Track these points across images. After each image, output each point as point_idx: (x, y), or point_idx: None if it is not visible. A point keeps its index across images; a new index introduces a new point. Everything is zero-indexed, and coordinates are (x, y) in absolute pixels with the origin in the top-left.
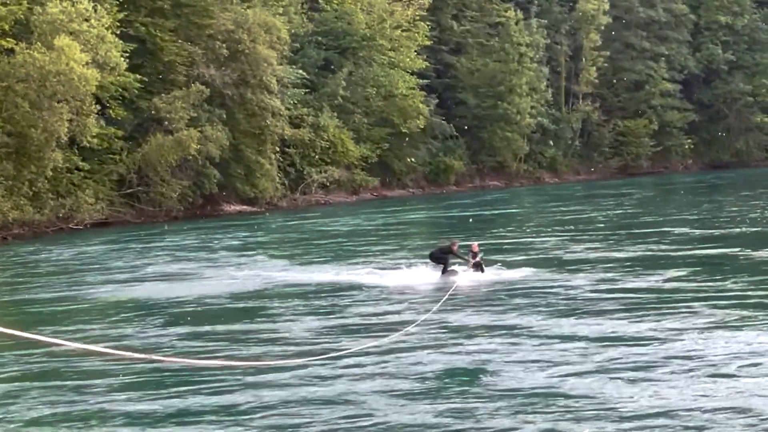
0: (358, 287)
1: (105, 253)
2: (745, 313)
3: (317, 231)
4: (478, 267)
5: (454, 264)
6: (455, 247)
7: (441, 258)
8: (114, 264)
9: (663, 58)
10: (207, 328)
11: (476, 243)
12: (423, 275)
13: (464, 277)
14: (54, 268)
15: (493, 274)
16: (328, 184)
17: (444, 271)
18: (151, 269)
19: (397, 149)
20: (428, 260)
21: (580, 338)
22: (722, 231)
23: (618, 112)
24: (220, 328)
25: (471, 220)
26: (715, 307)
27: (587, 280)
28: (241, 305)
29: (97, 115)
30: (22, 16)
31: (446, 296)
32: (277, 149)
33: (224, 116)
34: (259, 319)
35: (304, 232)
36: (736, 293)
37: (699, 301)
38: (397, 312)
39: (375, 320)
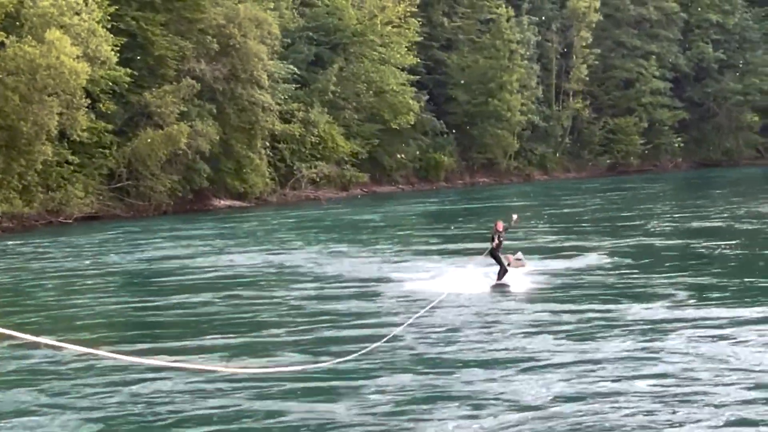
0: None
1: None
2: None
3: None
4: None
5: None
6: (499, 226)
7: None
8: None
9: (653, 56)
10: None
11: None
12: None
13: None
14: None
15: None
16: (317, 179)
17: (497, 261)
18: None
19: (387, 145)
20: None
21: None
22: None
23: (608, 109)
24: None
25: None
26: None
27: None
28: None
29: (87, 109)
30: (12, 9)
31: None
32: (267, 144)
33: (214, 111)
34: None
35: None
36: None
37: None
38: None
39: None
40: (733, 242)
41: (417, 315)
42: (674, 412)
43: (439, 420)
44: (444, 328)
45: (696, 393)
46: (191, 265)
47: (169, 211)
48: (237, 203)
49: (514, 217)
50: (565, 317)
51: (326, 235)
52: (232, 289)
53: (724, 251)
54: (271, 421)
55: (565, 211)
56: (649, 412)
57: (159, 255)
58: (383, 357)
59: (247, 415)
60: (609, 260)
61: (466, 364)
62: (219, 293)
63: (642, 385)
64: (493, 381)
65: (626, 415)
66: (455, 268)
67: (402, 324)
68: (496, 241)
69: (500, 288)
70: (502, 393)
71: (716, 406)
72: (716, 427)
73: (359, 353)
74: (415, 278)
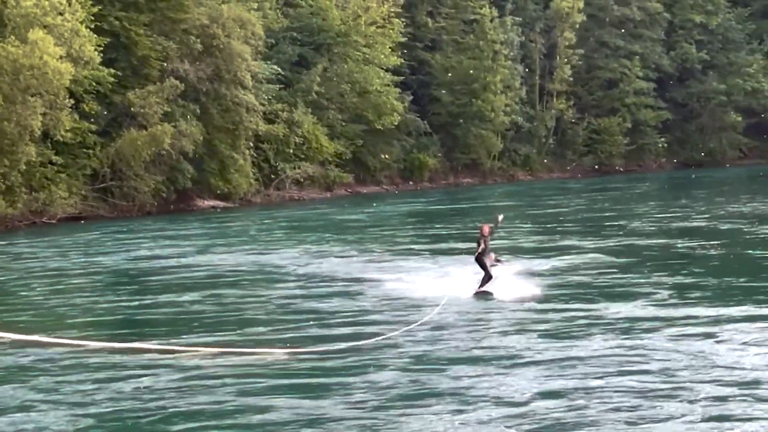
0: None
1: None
2: None
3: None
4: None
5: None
6: (485, 230)
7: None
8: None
9: (637, 57)
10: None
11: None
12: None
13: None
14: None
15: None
16: (302, 180)
17: (482, 267)
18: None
19: (371, 146)
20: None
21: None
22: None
23: (592, 110)
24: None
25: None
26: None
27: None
28: None
29: (70, 109)
30: None
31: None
32: (251, 145)
33: (198, 111)
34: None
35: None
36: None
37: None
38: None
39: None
40: (715, 242)
41: (428, 316)
42: (656, 407)
43: (426, 415)
44: (430, 327)
45: (677, 389)
46: (177, 265)
47: (153, 211)
48: (221, 203)
49: (500, 217)
50: (549, 316)
51: (311, 235)
52: (218, 288)
53: (706, 251)
54: (260, 416)
55: (550, 211)
56: (632, 408)
57: (144, 255)
58: (371, 354)
59: (236, 410)
60: (593, 260)
61: (452, 361)
62: (205, 292)
63: (624, 381)
64: (479, 377)
65: (609, 410)
66: (440, 268)
67: (413, 323)
68: (482, 245)
69: (483, 295)
70: (487, 389)
71: (697, 402)
72: (697, 421)
73: (362, 342)
74: (403, 278)
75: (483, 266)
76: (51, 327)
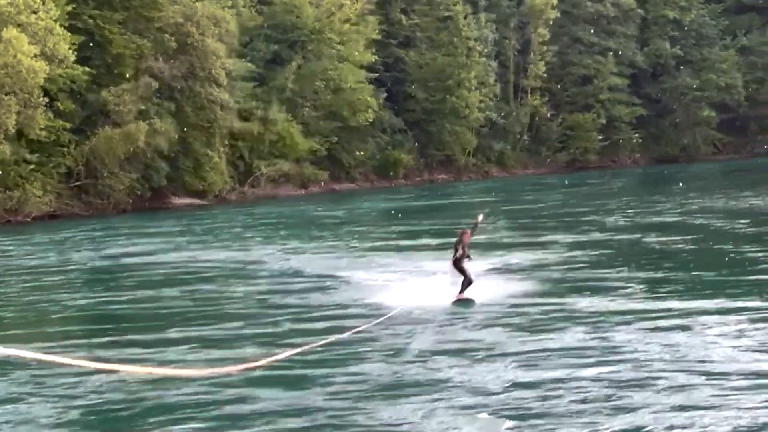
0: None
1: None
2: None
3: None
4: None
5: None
6: (465, 237)
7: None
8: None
9: (611, 53)
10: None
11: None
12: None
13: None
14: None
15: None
16: (276, 177)
17: (461, 272)
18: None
19: (346, 143)
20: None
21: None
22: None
23: (566, 106)
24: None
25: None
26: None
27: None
28: None
29: (45, 108)
30: None
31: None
32: (226, 142)
33: (173, 109)
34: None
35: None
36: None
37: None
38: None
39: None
40: (687, 237)
41: (390, 313)
42: (628, 397)
43: (404, 404)
44: (406, 321)
45: (649, 380)
46: (154, 262)
47: (128, 209)
48: (196, 201)
49: (480, 216)
50: (525, 309)
51: (287, 232)
52: (195, 285)
53: (678, 246)
54: (241, 406)
55: (524, 207)
56: (605, 397)
57: (121, 252)
58: (350, 348)
59: (216, 401)
60: (567, 255)
61: (429, 353)
62: (182, 288)
63: (597, 372)
64: (455, 368)
65: (582, 401)
66: (416, 264)
67: (369, 323)
68: (460, 251)
69: (463, 302)
70: (464, 380)
71: (668, 392)
72: (667, 410)
73: (327, 341)
74: (377, 274)
75: (462, 272)
76: (30, 324)
